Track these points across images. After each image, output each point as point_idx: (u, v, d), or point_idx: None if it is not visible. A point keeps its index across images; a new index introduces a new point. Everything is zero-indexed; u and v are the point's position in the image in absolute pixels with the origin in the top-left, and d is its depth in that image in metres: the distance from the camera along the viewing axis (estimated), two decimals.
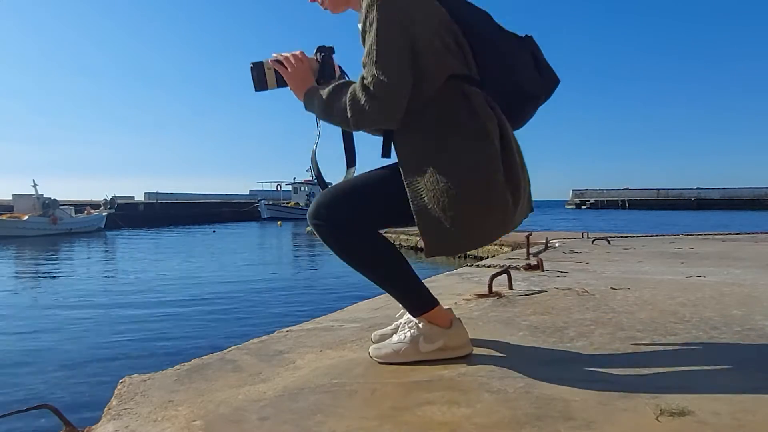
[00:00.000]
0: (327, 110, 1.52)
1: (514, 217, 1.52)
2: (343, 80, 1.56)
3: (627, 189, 77.88)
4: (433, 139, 1.45)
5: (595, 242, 6.23)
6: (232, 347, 1.91)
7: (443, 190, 1.42)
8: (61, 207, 30.49)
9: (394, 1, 1.42)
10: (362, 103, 1.43)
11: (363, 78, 1.43)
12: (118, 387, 1.55)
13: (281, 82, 1.64)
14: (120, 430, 1.26)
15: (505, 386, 1.38)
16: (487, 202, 1.44)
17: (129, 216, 36.54)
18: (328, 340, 1.95)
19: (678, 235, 7.55)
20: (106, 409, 1.41)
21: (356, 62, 1.52)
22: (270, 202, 47.97)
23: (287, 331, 2.13)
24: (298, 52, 1.63)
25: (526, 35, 1.62)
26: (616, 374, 1.46)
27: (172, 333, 8.23)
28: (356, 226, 1.52)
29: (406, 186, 1.46)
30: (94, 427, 1.31)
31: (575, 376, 1.46)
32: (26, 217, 28.15)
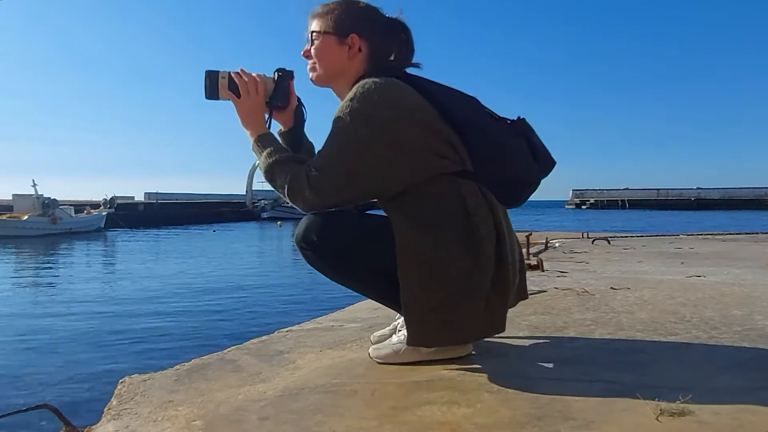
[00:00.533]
0: (269, 171, 1.52)
1: (503, 318, 1.54)
2: (294, 156, 1.55)
3: (627, 189, 77.93)
4: (429, 235, 1.44)
5: (595, 242, 6.23)
6: (232, 347, 1.91)
7: (434, 290, 1.43)
8: (60, 207, 30.48)
9: (372, 113, 1.43)
10: (300, 186, 1.46)
11: (310, 168, 1.46)
12: (118, 387, 1.55)
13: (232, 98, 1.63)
14: (120, 430, 1.26)
15: (505, 386, 1.38)
16: (476, 309, 1.46)
17: (129, 216, 36.50)
18: (328, 340, 1.95)
19: (678, 235, 7.55)
20: (106, 409, 1.41)
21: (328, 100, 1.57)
22: (269, 202, 47.98)
23: (287, 331, 2.13)
24: (255, 76, 1.61)
25: (519, 118, 1.62)
26: (616, 374, 1.46)
27: (172, 333, 8.24)
28: (347, 257, 1.51)
29: (398, 269, 1.45)
30: (94, 427, 1.32)
31: (575, 376, 1.46)
32: (26, 217, 28.14)
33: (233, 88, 1.59)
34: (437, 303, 1.44)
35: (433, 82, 1.55)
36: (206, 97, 1.61)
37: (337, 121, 1.46)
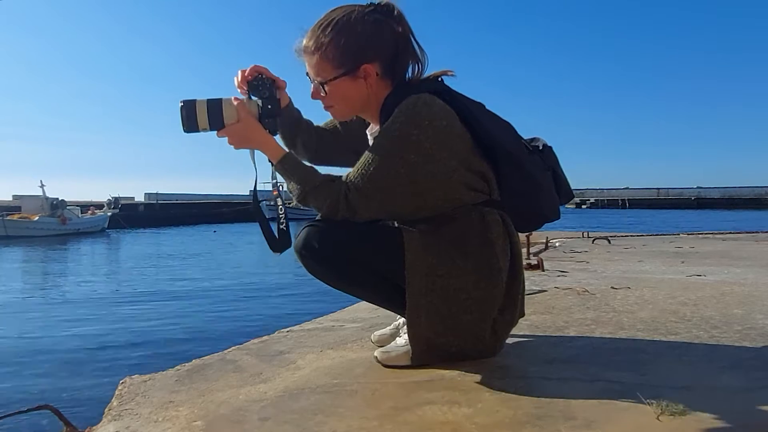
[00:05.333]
0: (305, 199, 1.46)
1: (502, 345, 1.58)
2: (326, 177, 1.47)
3: (627, 188, 78.01)
4: (444, 261, 1.43)
5: (595, 242, 6.22)
6: (233, 347, 1.91)
7: (442, 316, 1.44)
8: (67, 207, 30.98)
9: (421, 140, 1.39)
10: (338, 208, 1.42)
11: (349, 187, 1.41)
12: (119, 387, 1.55)
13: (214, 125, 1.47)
14: (121, 430, 1.26)
15: (505, 386, 1.38)
16: (482, 336, 1.49)
17: (130, 216, 36.77)
18: (328, 340, 1.95)
19: (678, 234, 7.54)
20: (106, 409, 1.41)
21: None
22: (271, 203, 47.90)
23: (288, 332, 2.13)
24: (233, 100, 1.47)
25: (546, 146, 1.63)
26: (616, 374, 1.46)
27: (173, 333, 8.25)
28: (351, 264, 1.46)
29: (406, 288, 1.44)
30: (94, 427, 1.32)
31: (576, 375, 1.46)
32: (36, 218, 28.59)
33: (216, 117, 1.45)
34: (443, 329, 1.45)
35: (472, 101, 1.52)
36: (185, 131, 1.46)
37: (385, 140, 1.42)
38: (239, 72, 1.51)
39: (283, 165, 1.49)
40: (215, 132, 1.48)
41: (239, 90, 1.52)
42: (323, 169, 1.53)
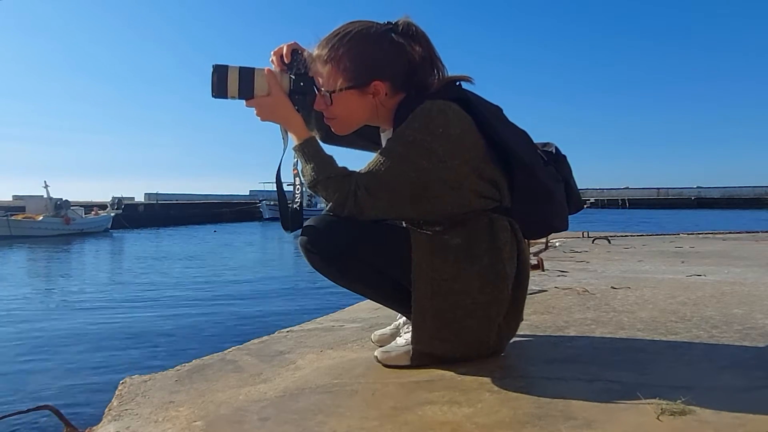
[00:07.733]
0: (315, 185, 1.44)
1: (505, 346, 1.60)
2: (341, 170, 1.44)
3: (627, 188, 78.02)
4: (451, 265, 1.43)
5: (595, 241, 6.22)
6: (233, 347, 1.91)
7: (447, 321, 1.45)
8: (71, 208, 31.24)
9: (434, 147, 1.38)
10: (346, 204, 1.40)
11: (359, 185, 1.40)
12: (119, 387, 1.55)
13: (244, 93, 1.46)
14: (121, 430, 1.26)
15: (505, 386, 1.38)
16: (486, 341, 1.51)
17: (130, 216, 36.96)
18: (328, 341, 1.95)
19: (678, 234, 7.54)
20: (106, 409, 1.41)
21: None
22: (272, 203, 48.04)
23: (288, 332, 2.13)
24: (266, 71, 1.47)
25: (561, 155, 1.63)
26: (616, 373, 1.46)
27: (173, 333, 8.25)
28: (356, 262, 1.46)
29: (412, 291, 1.44)
30: (94, 427, 1.32)
31: (576, 375, 1.46)
32: (40, 218, 28.81)
33: (246, 86, 1.44)
34: (447, 333, 1.46)
35: (489, 106, 1.51)
36: (213, 95, 1.44)
37: (398, 144, 1.41)
38: (283, 46, 1.49)
39: (304, 148, 1.47)
40: (243, 101, 1.47)
41: (273, 63, 1.51)
42: (336, 155, 1.52)
